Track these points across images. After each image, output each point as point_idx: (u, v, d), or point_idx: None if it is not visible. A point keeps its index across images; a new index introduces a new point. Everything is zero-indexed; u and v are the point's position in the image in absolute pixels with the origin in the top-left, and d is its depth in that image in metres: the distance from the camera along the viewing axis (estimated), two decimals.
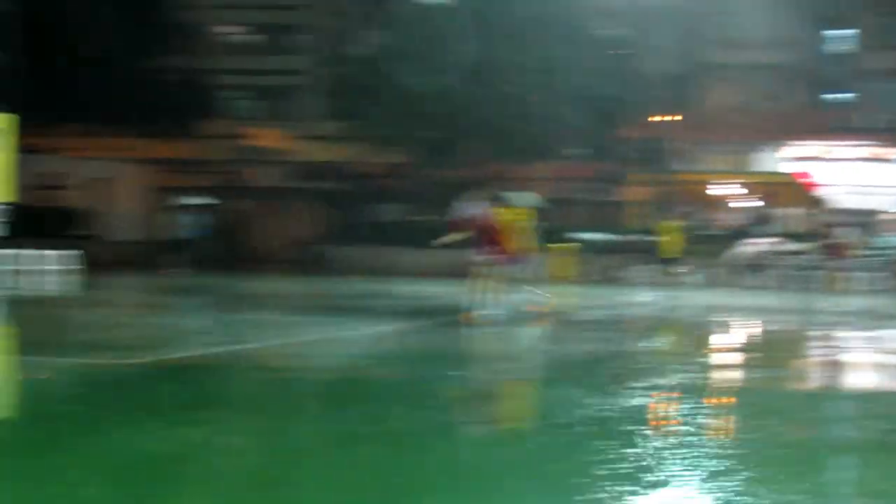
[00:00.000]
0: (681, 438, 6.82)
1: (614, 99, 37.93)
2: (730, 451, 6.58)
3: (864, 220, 39.20)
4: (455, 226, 17.61)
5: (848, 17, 49.07)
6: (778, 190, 40.71)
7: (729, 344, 15.25)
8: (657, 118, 37.24)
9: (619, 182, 44.69)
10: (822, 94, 50.12)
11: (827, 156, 48.28)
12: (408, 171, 40.00)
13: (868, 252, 32.75)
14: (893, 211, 47.14)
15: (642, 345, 14.28)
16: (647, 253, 32.83)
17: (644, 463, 6.01)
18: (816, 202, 45.48)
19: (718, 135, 43.25)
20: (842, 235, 28.05)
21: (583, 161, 43.74)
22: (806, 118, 48.05)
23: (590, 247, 34.45)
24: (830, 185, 47.00)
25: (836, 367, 11.93)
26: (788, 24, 46.88)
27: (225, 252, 39.97)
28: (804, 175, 47.33)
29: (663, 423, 7.87)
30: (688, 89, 44.86)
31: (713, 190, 41.74)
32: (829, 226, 29.74)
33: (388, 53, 36.70)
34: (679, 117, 39.76)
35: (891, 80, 48.19)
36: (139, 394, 8.43)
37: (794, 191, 41.99)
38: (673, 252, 22.50)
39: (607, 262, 34.20)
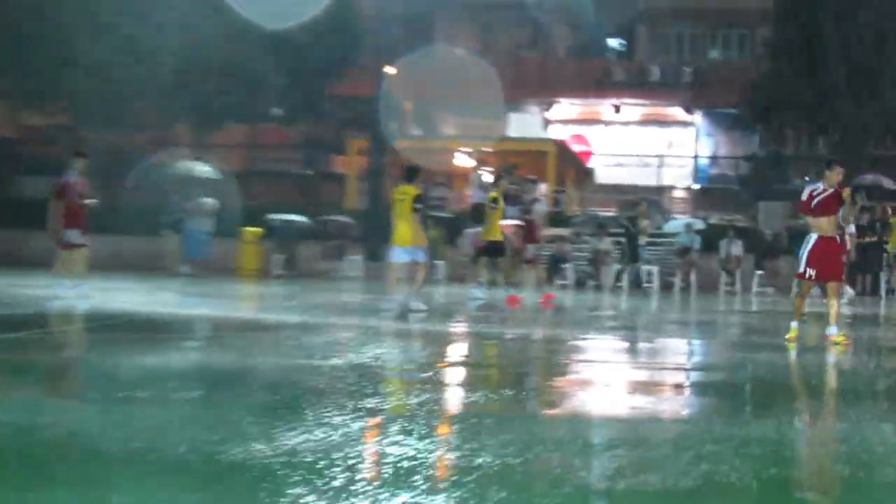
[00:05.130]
0: None
1: (326, 47, 30.32)
2: None
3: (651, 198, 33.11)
4: None
5: None
6: (537, 160, 33.23)
7: None
8: (384, 70, 29.43)
9: (333, 151, 37.27)
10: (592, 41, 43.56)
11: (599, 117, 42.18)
12: (66, 134, 30.77)
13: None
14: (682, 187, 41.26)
15: None
16: (363, 241, 27.67)
17: None
18: (586, 174, 39.10)
19: (460, 92, 35.50)
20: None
21: (285, 124, 35.58)
22: (571, 70, 41.46)
23: (287, 232, 28.01)
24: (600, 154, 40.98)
25: None
26: None
27: None
28: (575, 141, 40.95)
29: None
30: (421, 34, 37.15)
31: (452, 160, 33.85)
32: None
33: None
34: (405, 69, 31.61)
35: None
36: None
37: (560, 160, 34.81)
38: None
39: (310, 252, 27.95)
